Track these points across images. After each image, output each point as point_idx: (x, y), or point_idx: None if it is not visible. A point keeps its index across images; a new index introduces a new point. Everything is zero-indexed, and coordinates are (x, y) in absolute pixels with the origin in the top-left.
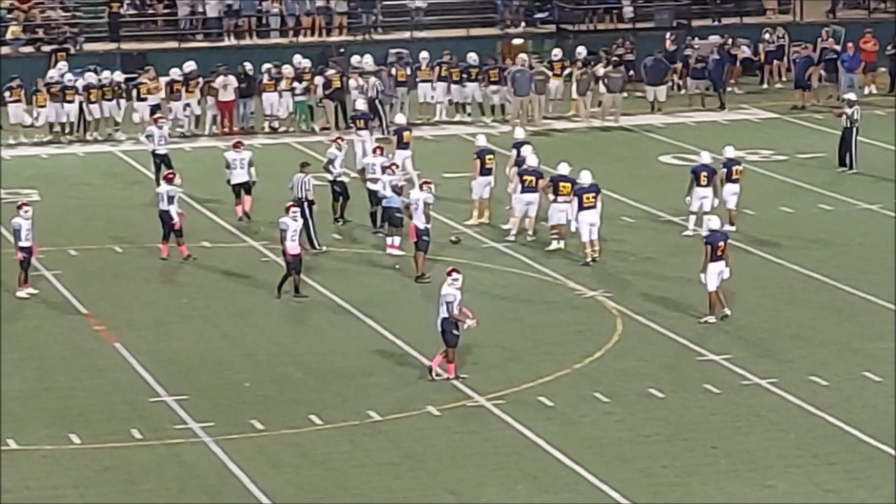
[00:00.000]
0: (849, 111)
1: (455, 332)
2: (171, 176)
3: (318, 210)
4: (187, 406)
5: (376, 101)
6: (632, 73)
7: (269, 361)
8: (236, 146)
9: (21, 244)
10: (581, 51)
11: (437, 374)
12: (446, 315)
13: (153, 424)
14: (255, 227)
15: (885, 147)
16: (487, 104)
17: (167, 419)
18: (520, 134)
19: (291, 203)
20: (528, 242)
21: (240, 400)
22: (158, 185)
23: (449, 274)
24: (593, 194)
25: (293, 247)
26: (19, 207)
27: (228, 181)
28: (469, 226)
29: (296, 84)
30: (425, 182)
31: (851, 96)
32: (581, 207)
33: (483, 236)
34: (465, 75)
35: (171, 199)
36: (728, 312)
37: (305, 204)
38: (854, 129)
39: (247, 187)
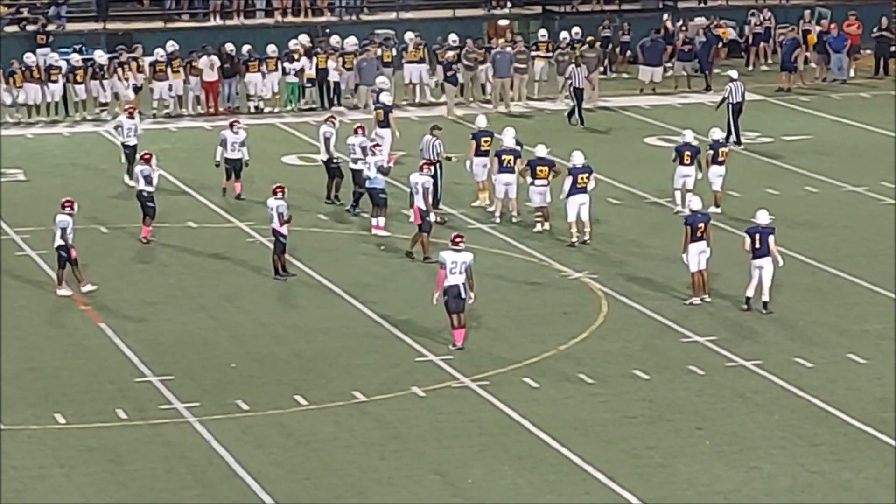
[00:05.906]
0: (729, 86)
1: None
2: (147, 157)
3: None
4: (173, 386)
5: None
6: (629, 53)
7: (254, 342)
8: (232, 126)
9: (58, 243)
10: (577, 31)
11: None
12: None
13: (138, 405)
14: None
15: (870, 129)
16: (469, 85)
17: (152, 399)
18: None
19: (278, 185)
20: (512, 224)
21: (225, 380)
22: (130, 176)
23: (454, 242)
24: (587, 174)
25: (283, 227)
26: (63, 206)
27: (217, 162)
28: (476, 208)
29: (286, 64)
30: (425, 164)
31: (733, 73)
32: (574, 187)
33: (468, 217)
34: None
35: (147, 180)
36: (708, 299)
37: (437, 165)
38: (729, 106)
39: (239, 167)
